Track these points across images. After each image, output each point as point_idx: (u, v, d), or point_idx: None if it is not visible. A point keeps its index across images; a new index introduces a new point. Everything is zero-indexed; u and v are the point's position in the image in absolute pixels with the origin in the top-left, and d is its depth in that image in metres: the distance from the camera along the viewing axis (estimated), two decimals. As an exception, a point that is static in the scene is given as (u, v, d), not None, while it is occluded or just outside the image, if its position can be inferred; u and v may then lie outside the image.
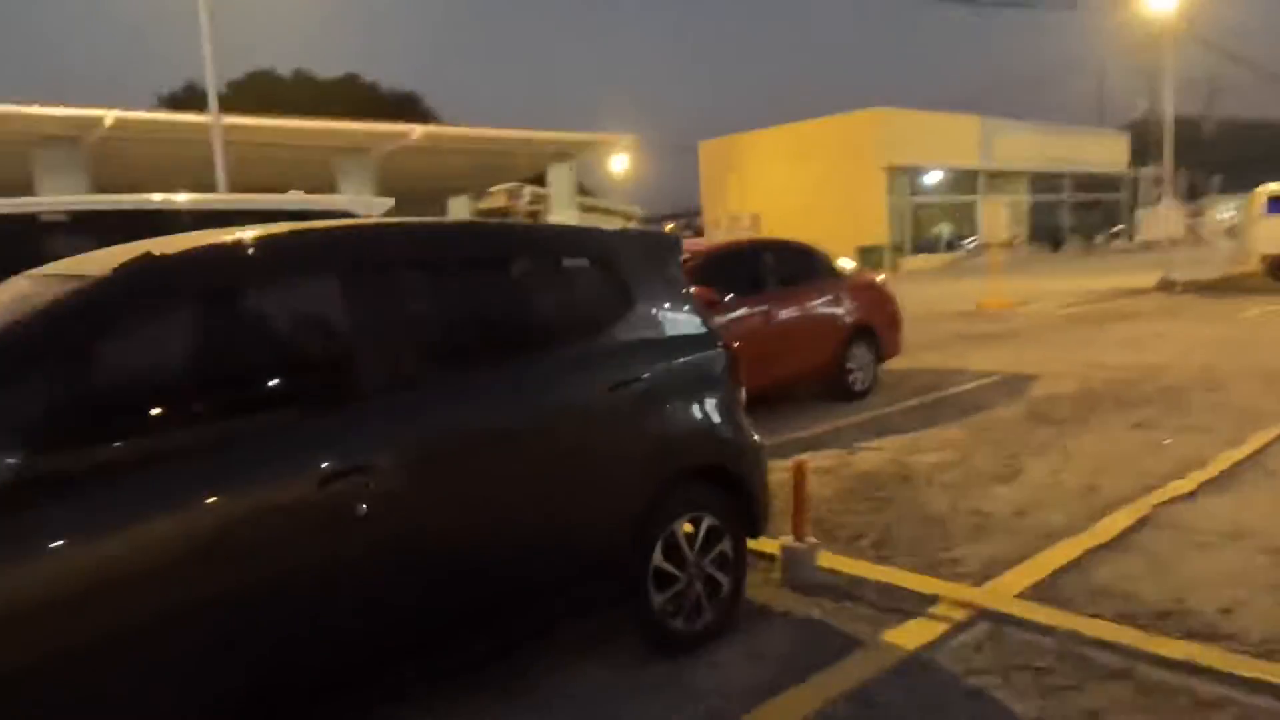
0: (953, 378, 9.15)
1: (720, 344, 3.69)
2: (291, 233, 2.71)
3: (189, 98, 60.29)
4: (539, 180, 18.24)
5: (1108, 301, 16.40)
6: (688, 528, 3.37)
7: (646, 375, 3.30)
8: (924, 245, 37.37)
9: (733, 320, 7.22)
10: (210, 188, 16.79)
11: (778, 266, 7.98)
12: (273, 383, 2.57)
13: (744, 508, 3.60)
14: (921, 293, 21.99)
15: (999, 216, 16.29)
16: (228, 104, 14.34)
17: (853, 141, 35.48)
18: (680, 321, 3.60)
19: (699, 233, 42.66)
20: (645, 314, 3.44)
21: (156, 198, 5.29)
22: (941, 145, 36.34)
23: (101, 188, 10.22)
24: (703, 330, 3.67)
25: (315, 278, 2.69)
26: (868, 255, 34.33)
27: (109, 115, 11.14)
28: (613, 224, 37.33)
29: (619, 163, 44.23)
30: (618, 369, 3.23)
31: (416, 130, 14.30)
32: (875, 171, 35.31)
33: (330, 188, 15.58)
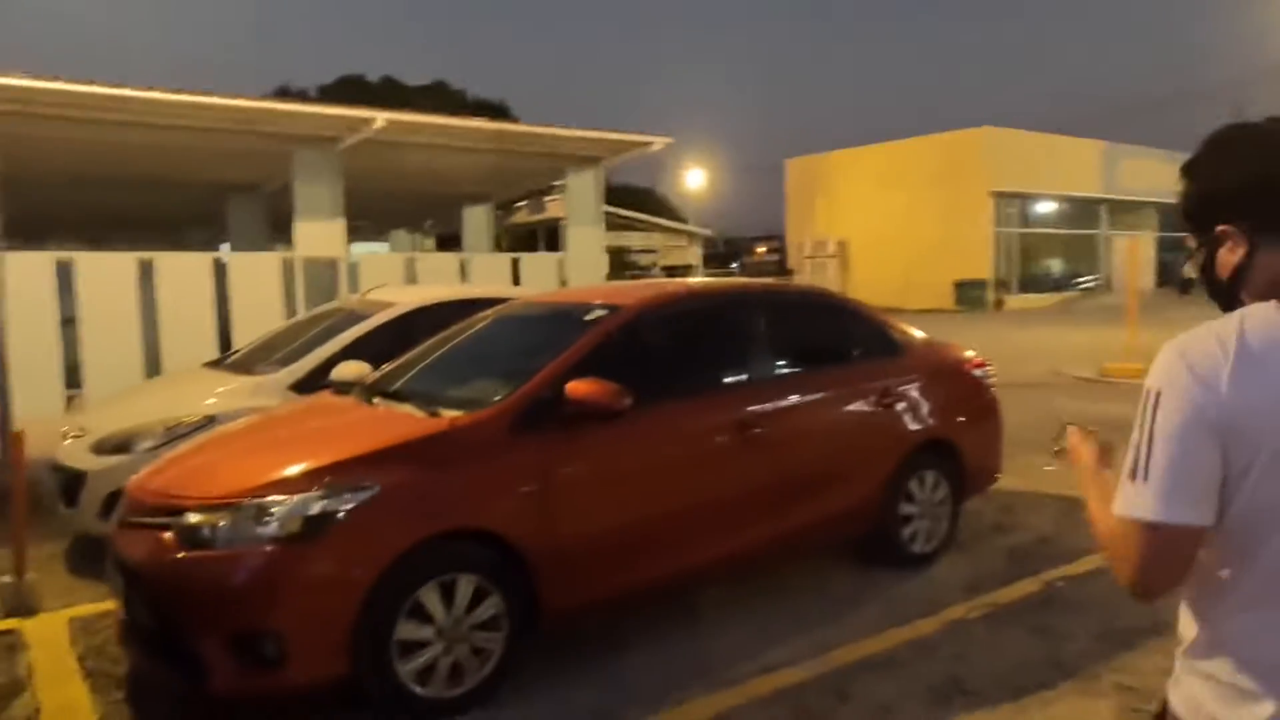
0: (1086, 521, 5.51)
1: None
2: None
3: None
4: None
5: None
6: None
7: None
8: (1032, 282, 33.00)
9: (652, 433, 3.84)
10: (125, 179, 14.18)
11: (779, 333, 4.51)
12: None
13: None
14: (1027, 340, 17.92)
15: (1138, 254, 12.26)
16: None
17: (956, 163, 31.46)
18: None
19: (784, 259, 39.12)
20: None
21: None
22: (1058, 171, 31.92)
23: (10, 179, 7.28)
24: None
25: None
26: (966, 291, 30.25)
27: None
28: (651, 244, 34.01)
29: (694, 178, 41.04)
30: None
31: (379, 118, 11.26)
32: (981, 197, 31.17)
33: (285, 189, 12.74)
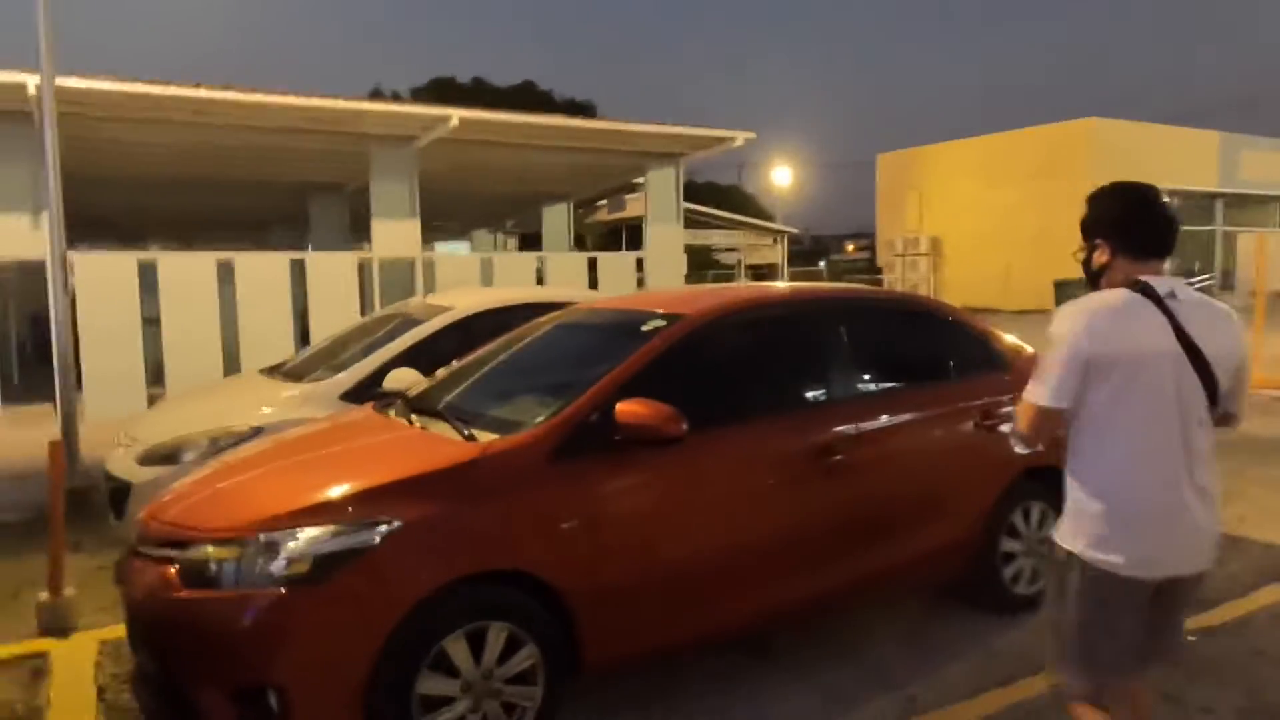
0: (1221, 560, 4.83)
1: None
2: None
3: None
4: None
5: None
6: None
7: None
8: (1139, 282, 31.18)
9: (714, 461, 3.39)
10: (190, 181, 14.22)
11: (864, 346, 3.99)
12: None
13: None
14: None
15: (1267, 250, 11.22)
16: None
17: (1059, 157, 29.93)
18: None
19: (874, 257, 38.05)
20: None
21: None
22: (1169, 164, 30.04)
23: (65, 171, 7.33)
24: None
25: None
26: (1068, 291, 28.73)
27: (30, 81, 8.48)
28: (735, 243, 33.25)
29: (781, 176, 40.21)
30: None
31: (454, 116, 11.05)
32: (1084, 192, 29.34)
33: (365, 189, 12.66)
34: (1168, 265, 2.37)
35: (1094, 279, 2.41)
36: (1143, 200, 2.38)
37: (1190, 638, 3.88)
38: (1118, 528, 2.25)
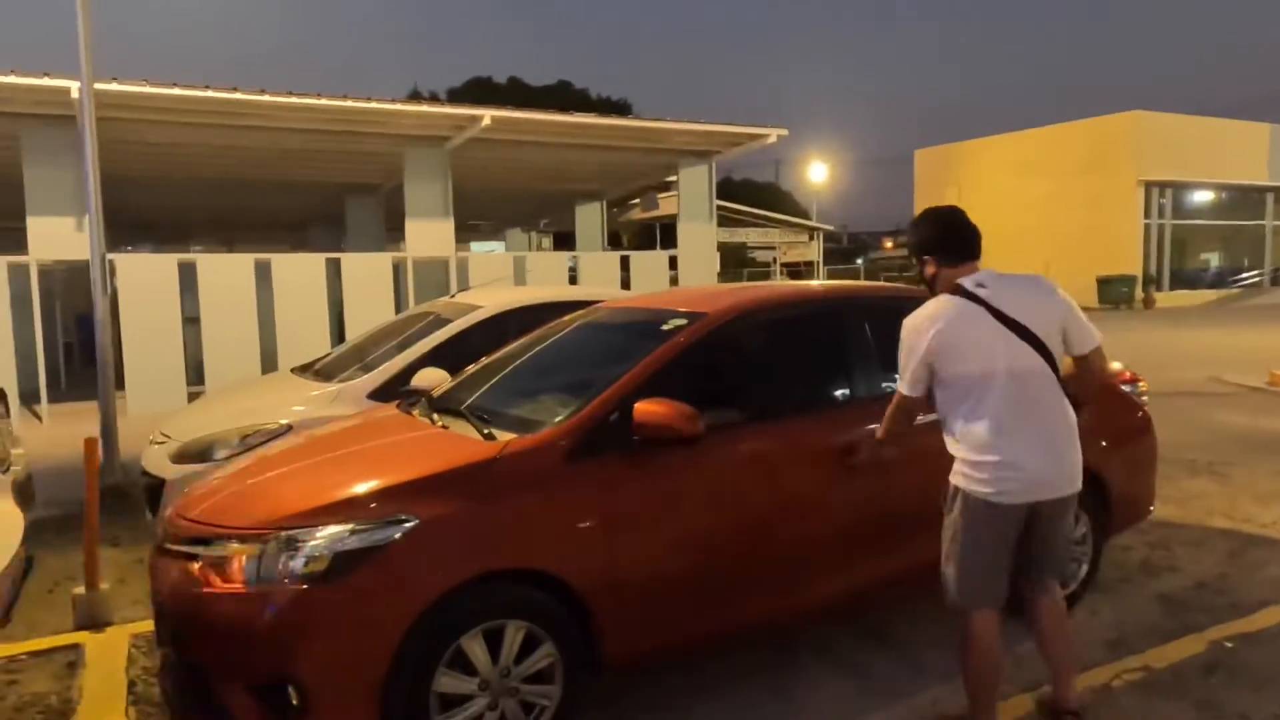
0: (1262, 563, 4.70)
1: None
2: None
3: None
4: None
5: None
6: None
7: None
8: (1185, 277, 30.54)
9: (735, 460, 3.38)
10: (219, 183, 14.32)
11: (889, 345, 3.92)
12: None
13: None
14: (1181, 343, 16.43)
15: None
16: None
17: (1103, 151, 29.37)
18: None
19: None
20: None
21: None
22: (1217, 157, 29.38)
23: (109, 174, 7.58)
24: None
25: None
26: (1112, 288, 28.21)
27: (73, 86, 8.68)
28: (770, 240, 33.00)
29: (818, 173, 39.93)
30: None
31: (486, 115, 11.10)
32: (1129, 187, 29.00)
33: (400, 189, 12.76)
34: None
35: (930, 286, 3.00)
36: (951, 220, 2.99)
37: (1228, 644, 3.80)
38: (982, 469, 2.82)
